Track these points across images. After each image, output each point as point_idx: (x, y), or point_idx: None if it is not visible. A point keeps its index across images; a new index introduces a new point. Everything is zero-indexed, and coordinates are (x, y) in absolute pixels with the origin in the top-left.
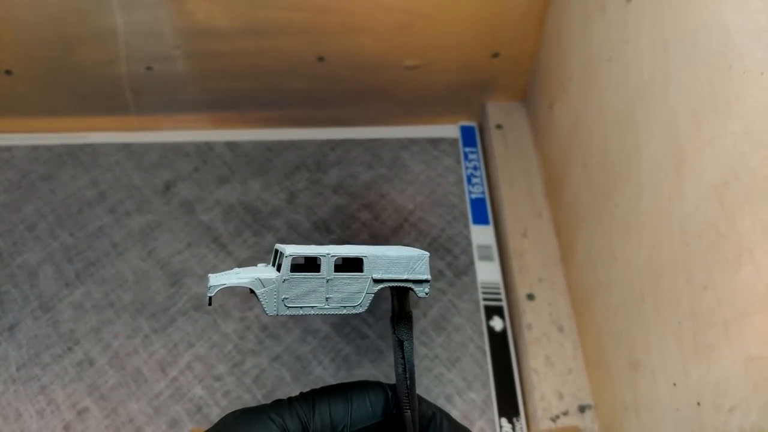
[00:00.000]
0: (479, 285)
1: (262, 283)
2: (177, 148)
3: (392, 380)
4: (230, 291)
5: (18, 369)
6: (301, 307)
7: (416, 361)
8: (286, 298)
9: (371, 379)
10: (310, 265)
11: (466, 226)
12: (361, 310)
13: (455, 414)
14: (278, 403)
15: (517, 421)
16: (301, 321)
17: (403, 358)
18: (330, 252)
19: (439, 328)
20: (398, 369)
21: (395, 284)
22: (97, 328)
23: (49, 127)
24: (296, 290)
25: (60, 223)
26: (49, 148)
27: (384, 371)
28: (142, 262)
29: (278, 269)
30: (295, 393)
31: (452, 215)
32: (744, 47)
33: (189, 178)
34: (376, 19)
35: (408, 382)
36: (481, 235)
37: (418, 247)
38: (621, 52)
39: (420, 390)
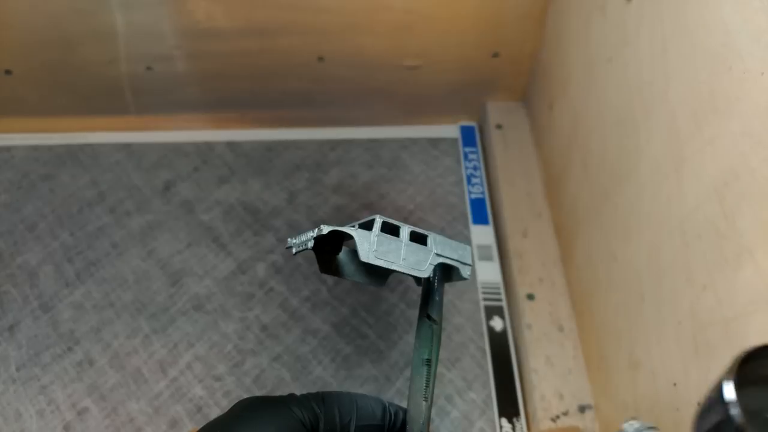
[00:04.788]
0: (479, 285)
1: (360, 234)
2: (177, 148)
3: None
4: (231, 290)
5: (18, 369)
6: (385, 260)
7: None
8: (376, 251)
9: (371, 378)
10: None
11: (466, 226)
12: (425, 275)
13: (455, 414)
14: (290, 396)
15: (517, 421)
16: (301, 321)
17: (432, 338)
18: (406, 225)
19: None
20: (423, 353)
21: (449, 261)
22: (97, 328)
23: (49, 127)
24: (383, 247)
25: (60, 223)
26: (49, 148)
27: (384, 371)
28: (142, 262)
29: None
30: (295, 393)
31: (452, 215)
32: (744, 47)
33: (189, 178)
34: (376, 19)
35: (433, 367)
36: (481, 235)
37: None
38: (621, 52)
39: None
